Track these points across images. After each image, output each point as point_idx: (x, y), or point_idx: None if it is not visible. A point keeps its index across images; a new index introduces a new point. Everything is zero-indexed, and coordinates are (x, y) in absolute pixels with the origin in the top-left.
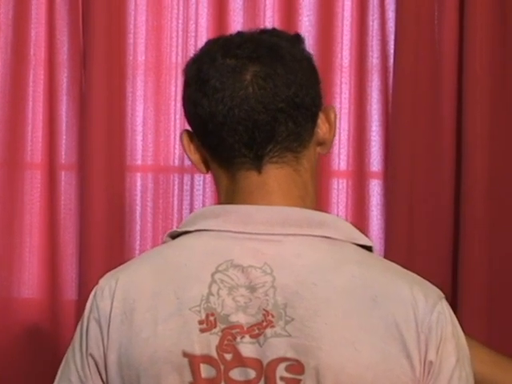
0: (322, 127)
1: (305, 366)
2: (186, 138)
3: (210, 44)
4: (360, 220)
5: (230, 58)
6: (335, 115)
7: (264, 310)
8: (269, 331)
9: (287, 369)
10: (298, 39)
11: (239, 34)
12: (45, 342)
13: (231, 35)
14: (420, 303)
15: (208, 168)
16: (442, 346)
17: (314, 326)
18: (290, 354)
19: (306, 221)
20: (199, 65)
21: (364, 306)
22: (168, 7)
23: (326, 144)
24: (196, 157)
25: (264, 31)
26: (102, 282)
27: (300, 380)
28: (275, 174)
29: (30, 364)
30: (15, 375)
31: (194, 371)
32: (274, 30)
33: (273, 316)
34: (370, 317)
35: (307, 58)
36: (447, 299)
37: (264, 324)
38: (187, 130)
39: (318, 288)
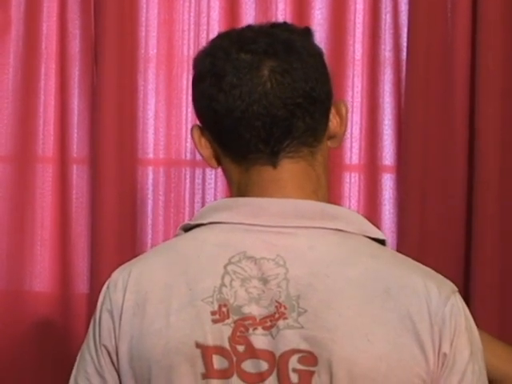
0: (333, 121)
1: (318, 357)
2: (196, 133)
3: (221, 38)
4: (372, 214)
5: (245, 52)
6: (347, 109)
7: (277, 301)
8: (281, 323)
9: (300, 360)
10: (309, 33)
11: (250, 27)
12: (56, 336)
13: (242, 29)
14: (433, 295)
15: (219, 163)
16: (455, 338)
17: (327, 317)
18: (302, 346)
19: (319, 213)
20: (213, 59)
21: (377, 298)
22: (180, 0)
23: (337, 138)
24: (207, 151)
25: (275, 25)
26: (114, 274)
27: (313, 372)
28: (290, 169)
29: (41, 357)
30: (26, 368)
31: (207, 362)
32: (285, 23)
33: (285, 308)
34: (383, 309)
35: (319, 54)
36: (460, 293)
37: (276, 316)
38: (197, 125)
39: (331, 280)
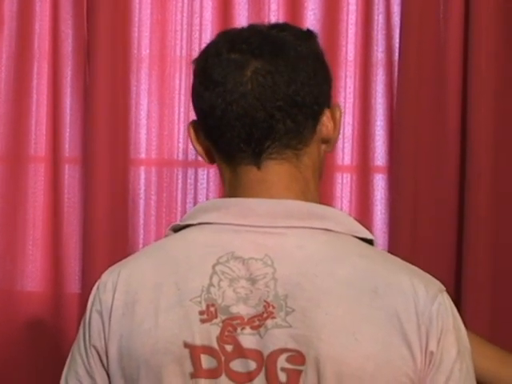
0: (327, 125)
1: (306, 356)
2: (192, 128)
3: (219, 36)
4: (364, 214)
5: (234, 52)
6: (340, 113)
7: (265, 301)
8: (269, 322)
9: (288, 359)
10: (309, 35)
11: (250, 27)
12: (47, 335)
13: (242, 28)
14: (421, 294)
15: (212, 159)
16: (442, 337)
17: (315, 316)
18: (290, 345)
19: (307, 213)
20: (206, 57)
21: (365, 297)
22: (173, 1)
23: (331, 142)
24: (201, 148)
25: (274, 26)
26: (104, 276)
27: (301, 371)
28: (275, 170)
29: (32, 357)
30: (18, 368)
31: (195, 362)
32: (284, 24)
33: (273, 307)
34: (370, 308)
35: (315, 55)
36: (449, 293)
37: (264, 315)
38: (194, 121)
39: (319, 279)
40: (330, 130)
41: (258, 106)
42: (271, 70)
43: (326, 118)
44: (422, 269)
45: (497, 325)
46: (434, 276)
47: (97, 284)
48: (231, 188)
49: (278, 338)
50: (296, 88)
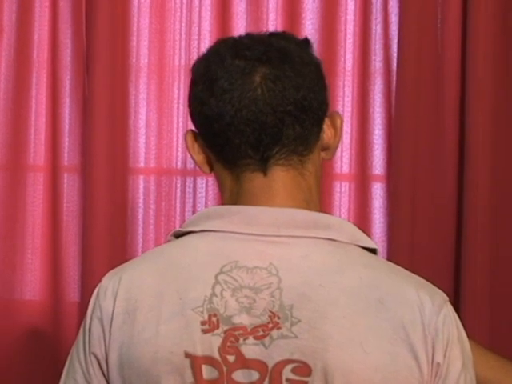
0: (327, 132)
1: (312, 367)
2: (190, 138)
3: (219, 44)
4: (362, 223)
5: (239, 58)
6: (341, 121)
7: (270, 311)
8: (275, 333)
9: (294, 371)
10: (306, 44)
11: (249, 35)
12: (47, 344)
13: (241, 36)
14: (426, 305)
15: (211, 169)
16: (449, 349)
17: (322, 327)
18: (296, 356)
19: (311, 223)
20: (207, 64)
21: (371, 308)
22: (171, 10)
23: (330, 149)
24: (200, 157)
25: (273, 34)
26: (104, 280)
27: (307, 382)
28: (281, 177)
29: (31, 366)
30: (17, 377)
31: (196, 372)
32: (283, 33)
33: (279, 317)
34: (377, 318)
35: (315, 63)
36: (450, 302)
37: (270, 326)
38: (191, 130)
39: (324, 289)
40: (331, 138)
41: (268, 110)
42: (280, 75)
43: (325, 126)
44: (421, 277)
45: (496, 332)
46: (433, 284)
47: (97, 289)
48: (232, 196)
49: (283, 348)
50: (304, 93)
